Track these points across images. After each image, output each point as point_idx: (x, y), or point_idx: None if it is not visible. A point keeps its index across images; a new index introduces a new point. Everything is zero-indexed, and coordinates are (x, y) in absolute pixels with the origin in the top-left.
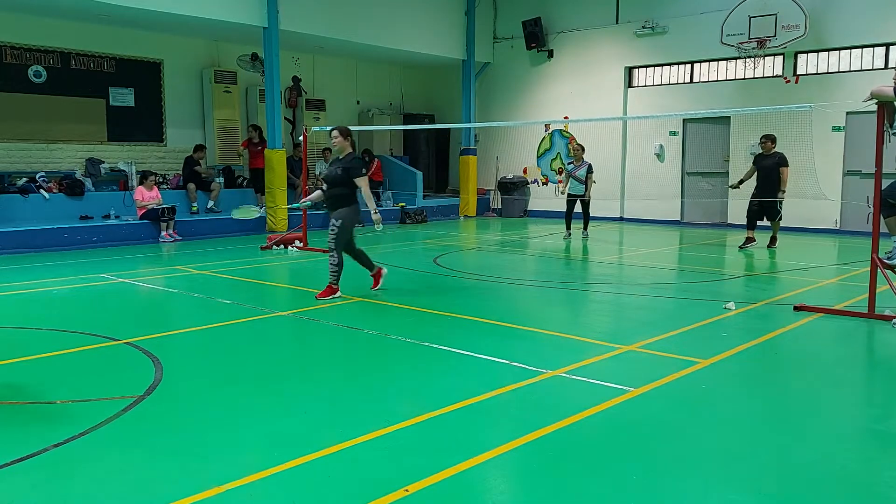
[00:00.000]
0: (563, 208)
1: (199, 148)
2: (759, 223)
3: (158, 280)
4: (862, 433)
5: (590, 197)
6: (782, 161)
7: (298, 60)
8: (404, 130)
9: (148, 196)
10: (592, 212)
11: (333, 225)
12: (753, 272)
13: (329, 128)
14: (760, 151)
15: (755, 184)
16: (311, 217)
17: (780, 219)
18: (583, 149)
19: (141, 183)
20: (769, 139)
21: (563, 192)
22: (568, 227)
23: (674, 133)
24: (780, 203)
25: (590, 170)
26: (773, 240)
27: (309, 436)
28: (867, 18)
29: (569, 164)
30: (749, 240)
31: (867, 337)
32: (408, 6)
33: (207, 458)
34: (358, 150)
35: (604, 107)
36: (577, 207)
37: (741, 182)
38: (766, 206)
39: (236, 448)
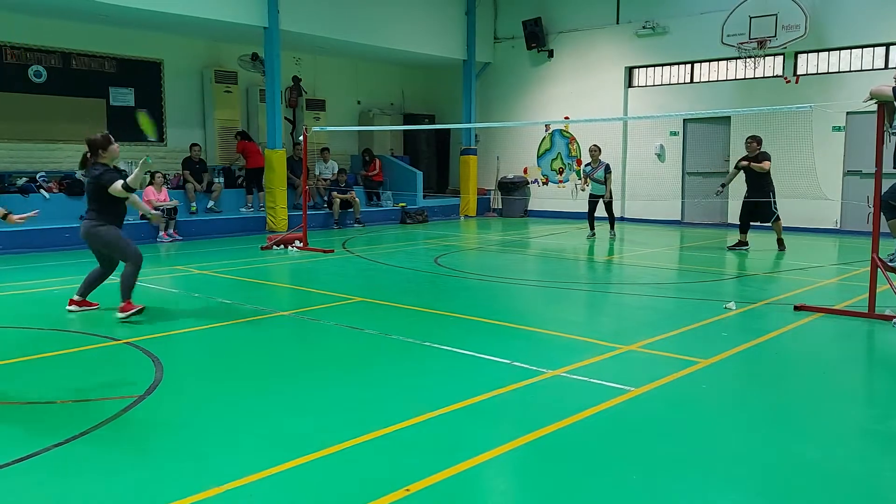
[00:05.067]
0: (562, 209)
1: (193, 147)
2: (756, 226)
3: (159, 280)
4: (862, 433)
5: (611, 197)
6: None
7: (299, 60)
8: (405, 130)
9: (161, 198)
10: (603, 211)
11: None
12: (754, 272)
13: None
14: (746, 153)
15: (746, 187)
16: (311, 217)
17: (778, 219)
18: (599, 150)
19: (150, 183)
20: (754, 140)
21: (583, 190)
22: (591, 227)
23: (674, 133)
24: (774, 204)
25: (608, 170)
26: (779, 242)
27: (309, 436)
28: (867, 18)
29: (586, 165)
30: (741, 243)
31: (867, 337)
32: (408, 6)
33: (207, 458)
34: (358, 150)
35: (604, 107)
36: (598, 209)
37: (723, 186)
38: (759, 208)
39: (236, 448)
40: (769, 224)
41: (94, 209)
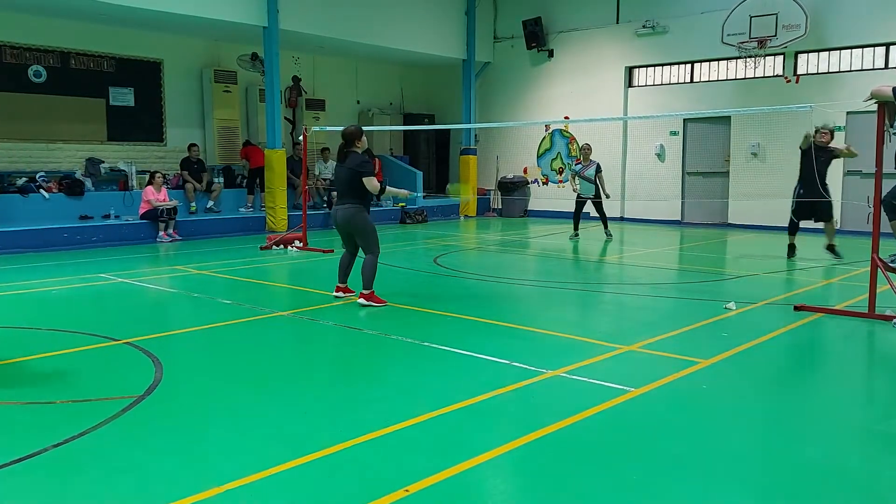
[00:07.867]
0: (562, 209)
1: (191, 147)
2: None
3: (158, 280)
4: (862, 433)
5: (603, 196)
6: (835, 154)
7: (298, 60)
8: (404, 130)
9: (161, 198)
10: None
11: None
12: (754, 272)
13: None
14: (811, 143)
15: (798, 181)
16: (311, 217)
17: (833, 219)
18: (590, 149)
19: (150, 183)
20: (830, 132)
21: (575, 190)
22: (575, 228)
23: (674, 133)
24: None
25: (598, 169)
26: (831, 247)
27: (309, 436)
28: (867, 18)
29: (575, 164)
30: (792, 247)
31: (867, 337)
32: (408, 6)
33: (207, 458)
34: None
35: (604, 107)
36: (586, 208)
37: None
38: (816, 206)
39: (236, 448)
40: (822, 226)
41: (358, 196)
